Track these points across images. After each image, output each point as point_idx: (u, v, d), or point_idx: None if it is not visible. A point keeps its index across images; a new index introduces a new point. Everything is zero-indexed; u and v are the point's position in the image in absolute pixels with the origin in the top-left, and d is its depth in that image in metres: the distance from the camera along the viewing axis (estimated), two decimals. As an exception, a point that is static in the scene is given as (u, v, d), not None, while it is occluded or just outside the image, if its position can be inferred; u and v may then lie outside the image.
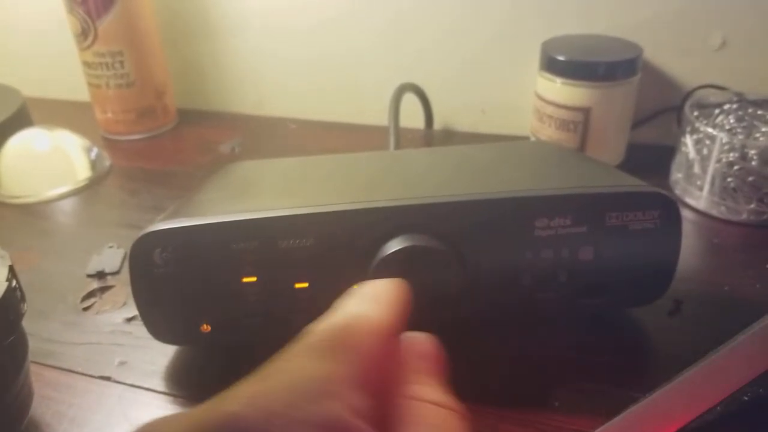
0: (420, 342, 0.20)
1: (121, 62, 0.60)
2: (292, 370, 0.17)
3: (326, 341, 0.18)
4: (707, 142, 0.45)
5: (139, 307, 0.31)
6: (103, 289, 0.41)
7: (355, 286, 0.22)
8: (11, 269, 0.27)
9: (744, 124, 0.46)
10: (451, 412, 0.18)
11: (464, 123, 0.63)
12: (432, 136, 0.62)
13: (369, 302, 0.20)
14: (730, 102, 0.49)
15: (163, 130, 0.65)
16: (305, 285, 0.30)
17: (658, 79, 0.55)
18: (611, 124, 0.51)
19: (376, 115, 0.61)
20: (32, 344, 0.29)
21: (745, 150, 0.44)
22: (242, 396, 0.16)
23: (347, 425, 0.15)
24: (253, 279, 0.30)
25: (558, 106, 0.51)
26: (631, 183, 0.33)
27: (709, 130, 0.45)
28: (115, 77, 0.61)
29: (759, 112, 0.47)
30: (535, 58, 0.53)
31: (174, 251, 0.29)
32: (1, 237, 0.30)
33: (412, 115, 0.61)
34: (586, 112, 0.50)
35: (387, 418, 0.18)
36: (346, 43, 0.63)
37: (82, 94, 0.65)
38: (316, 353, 0.17)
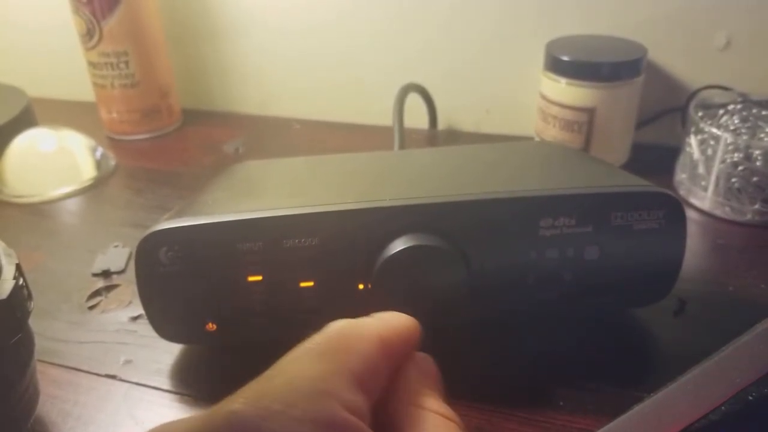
0: (423, 361, 0.22)
1: (126, 62, 0.60)
2: (292, 371, 0.18)
3: (323, 345, 0.19)
4: (712, 142, 0.45)
5: (144, 305, 0.31)
6: (109, 288, 0.41)
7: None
8: (18, 267, 0.27)
9: (748, 124, 0.46)
10: (453, 423, 0.20)
11: (468, 123, 0.63)
12: (436, 136, 0.62)
13: (370, 318, 0.22)
14: (735, 102, 0.49)
15: (168, 130, 0.65)
16: (311, 284, 0.30)
17: (662, 80, 0.55)
18: (616, 124, 0.51)
19: (380, 115, 0.61)
20: (38, 343, 0.29)
21: (750, 150, 0.44)
22: (245, 396, 0.17)
23: (342, 422, 0.17)
24: (259, 278, 0.30)
25: (562, 106, 0.51)
26: (635, 183, 0.33)
27: (714, 130, 0.45)
28: (120, 77, 0.61)
29: (763, 113, 0.47)
30: (539, 58, 0.53)
31: (180, 250, 0.30)
32: (6, 236, 0.30)
33: (415, 115, 0.61)
34: (590, 112, 0.50)
35: (396, 422, 0.19)
36: (349, 43, 0.63)
37: (87, 94, 0.65)
38: (314, 356, 0.19)
